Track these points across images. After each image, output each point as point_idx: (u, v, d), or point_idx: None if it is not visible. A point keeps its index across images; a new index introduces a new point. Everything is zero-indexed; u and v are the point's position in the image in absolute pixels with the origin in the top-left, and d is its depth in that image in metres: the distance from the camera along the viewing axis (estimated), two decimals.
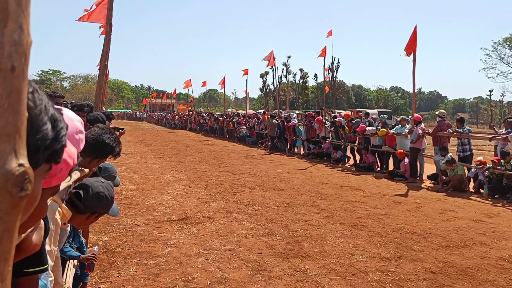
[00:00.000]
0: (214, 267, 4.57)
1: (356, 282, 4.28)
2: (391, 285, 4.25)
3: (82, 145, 1.39)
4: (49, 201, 1.87)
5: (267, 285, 4.15)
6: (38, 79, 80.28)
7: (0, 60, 0.46)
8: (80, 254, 2.88)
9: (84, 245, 3.19)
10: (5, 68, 0.46)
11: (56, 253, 1.93)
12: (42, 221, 1.20)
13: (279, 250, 5.18)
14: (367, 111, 16.55)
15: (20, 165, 0.48)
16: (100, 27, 7.94)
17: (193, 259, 4.82)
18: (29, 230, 0.98)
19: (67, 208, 2.01)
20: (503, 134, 9.80)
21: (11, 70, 0.47)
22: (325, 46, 17.17)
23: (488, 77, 69.15)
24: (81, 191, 2.03)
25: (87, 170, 2.49)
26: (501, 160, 9.10)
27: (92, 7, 7.75)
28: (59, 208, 1.94)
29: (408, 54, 11.79)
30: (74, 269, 2.97)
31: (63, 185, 1.77)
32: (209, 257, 4.88)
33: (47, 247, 1.84)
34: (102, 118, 4.77)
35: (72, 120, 1.32)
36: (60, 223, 1.92)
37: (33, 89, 0.60)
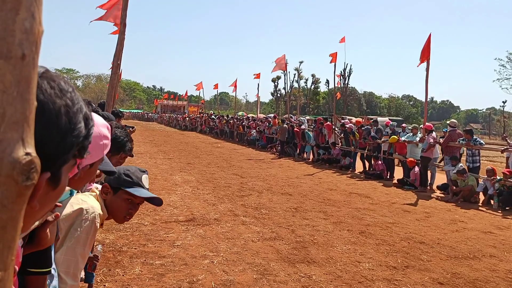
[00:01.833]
0: (219, 270, 4.56)
1: None
2: None
3: (106, 151, 1.37)
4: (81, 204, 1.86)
5: None
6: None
7: (10, 47, 0.46)
8: None
9: None
10: (16, 56, 0.46)
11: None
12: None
13: (285, 255, 5.16)
14: (376, 119, 16.34)
15: (27, 154, 0.48)
16: (114, 25, 8.04)
17: (199, 260, 4.81)
18: (36, 223, 0.98)
19: (105, 207, 2.01)
20: None
21: (21, 58, 0.46)
22: (336, 52, 17.17)
23: (502, 88, 68.52)
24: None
25: (97, 171, 2.48)
26: None
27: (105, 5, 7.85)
28: (100, 212, 1.93)
29: (421, 62, 11.74)
30: None
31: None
32: (214, 259, 4.88)
33: (84, 250, 1.83)
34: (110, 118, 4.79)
35: (97, 125, 1.27)
36: (98, 227, 1.91)
37: (72, 88, 0.65)
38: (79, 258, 1.78)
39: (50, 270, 1.30)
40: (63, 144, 0.61)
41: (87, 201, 1.90)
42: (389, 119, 33.60)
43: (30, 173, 0.48)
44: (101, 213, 1.93)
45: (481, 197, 9.74)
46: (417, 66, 11.98)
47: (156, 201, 2.12)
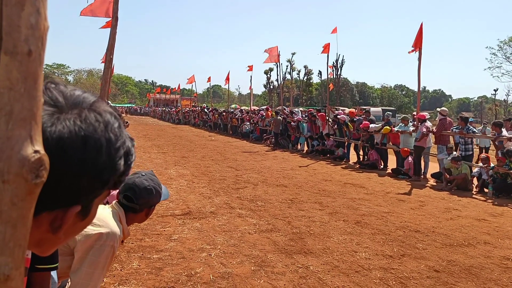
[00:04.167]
0: (217, 262, 4.57)
1: (359, 279, 4.28)
2: (394, 282, 4.24)
3: None
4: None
5: (270, 281, 4.15)
6: (43, 72, 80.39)
7: (16, 43, 0.45)
8: None
9: None
10: (22, 52, 0.45)
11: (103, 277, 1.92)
12: None
13: (282, 246, 5.18)
14: (367, 109, 16.31)
15: (36, 151, 0.48)
16: (106, 21, 7.96)
17: (196, 254, 4.82)
18: None
19: (126, 226, 2.02)
20: (507, 135, 9.76)
21: (27, 54, 0.46)
22: (328, 43, 17.09)
23: (493, 76, 69.10)
24: (129, 193, 2.00)
25: None
26: (506, 160, 9.05)
27: None
28: (119, 234, 1.93)
29: (413, 50, 11.77)
30: None
31: None
32: (212, 252, 4.89)
33: (102, 273, 1.83)
34: None
35: None
36: (116, 250, 1.91)
37: (119, 123, 0.64)
38: (97, 282, 1.81)
39: (57, 266, 1.30)
40: (99, 180, 0.60)
41: (108, 221, 1.89)
42: (382, 109, 33.66)
43: (39, 171, 0.48)
44: (121, 235, 1.94)
45: (475, 183, 9.84)
46: (408, 53, 12.00)
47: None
